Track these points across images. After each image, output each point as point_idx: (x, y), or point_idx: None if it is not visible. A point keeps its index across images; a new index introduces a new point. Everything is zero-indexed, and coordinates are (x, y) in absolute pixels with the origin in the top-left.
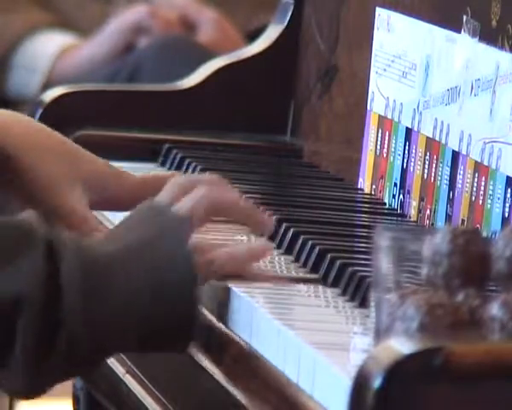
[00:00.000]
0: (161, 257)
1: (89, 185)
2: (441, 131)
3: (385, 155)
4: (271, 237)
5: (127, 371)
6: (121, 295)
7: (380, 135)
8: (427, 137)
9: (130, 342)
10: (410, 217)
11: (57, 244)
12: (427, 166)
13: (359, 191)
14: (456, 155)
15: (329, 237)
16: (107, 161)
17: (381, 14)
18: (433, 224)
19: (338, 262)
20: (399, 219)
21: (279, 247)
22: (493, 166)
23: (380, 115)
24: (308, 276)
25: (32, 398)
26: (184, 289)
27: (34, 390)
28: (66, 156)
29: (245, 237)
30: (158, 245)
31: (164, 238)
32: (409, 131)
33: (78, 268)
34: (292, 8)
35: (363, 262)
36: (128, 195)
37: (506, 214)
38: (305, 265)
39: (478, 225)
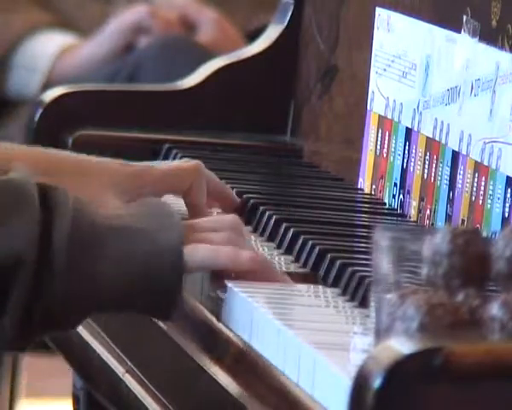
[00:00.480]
0: (152, 238)
1: (116, 191)
2: (441, 131)
3: (385, 155)
4: (271, 237)
5: (127, 371)
6: (109, 261)
7: (380, 135)
8: (427, 137)
9: (114, 305)
10: (410, 217)
11: (52, 204)
12: (427, 166)
13: (359, 191)
14: (456, 155)
15: (329, 237)
16: (121, 161)
17: (381, 14)
18: (433, 224)
19: (338, 262)
20: (399, 219)
21: (279, 247)
22: (493, 166)
23: (380, 115)
24: (308, 276)
25: (22, 350)
26: (172, 256)
27: (21, 344)
28: (85, 176)
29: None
30: (152, 230)
31: (160, 232)
32: (409, 131)
33: (69, 231)
34: (292, 8)
35: (363, 262)
36: (152, 189)
37: (506, 214)
38: (305, 265)
39: (478, 225)
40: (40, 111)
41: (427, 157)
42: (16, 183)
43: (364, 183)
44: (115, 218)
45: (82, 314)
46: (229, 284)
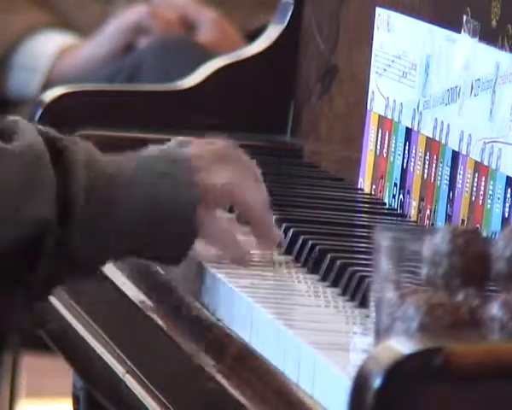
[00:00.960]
0: (164, 184)
1: None
2: (441, 131)
3: (385, 155)
4: None
5: (127, 371)
6: (122, 211)
7: (380, 135)
8: (427, 137)
9: (130, 251)
10: (410, 217)
11: (65, 160)
12: (427, 166)
13: (359, 191)
14: (456, 155)
15: (329, 237)
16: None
17: (381, 14)
18: (433, 224)
19: (338, 262)
20: (399, 219)
21: (279, 247)
22: (493, 166)
23: (380, 115)
24: (308, 276)
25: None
26: (183, 210)
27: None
28: None
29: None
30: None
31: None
32: (409, 131)
33: (86, 186)
34: (292, 8)
35: (363, 262)
36: None
37: (506, 214)
38: (305, 265)
39: (478, 225)
40: (40, 111)
41: (427, 157)
42: (27, 149)
43: (364, 183)
44: (129, 161)
45: (108, 259)
46: (230, 284)
